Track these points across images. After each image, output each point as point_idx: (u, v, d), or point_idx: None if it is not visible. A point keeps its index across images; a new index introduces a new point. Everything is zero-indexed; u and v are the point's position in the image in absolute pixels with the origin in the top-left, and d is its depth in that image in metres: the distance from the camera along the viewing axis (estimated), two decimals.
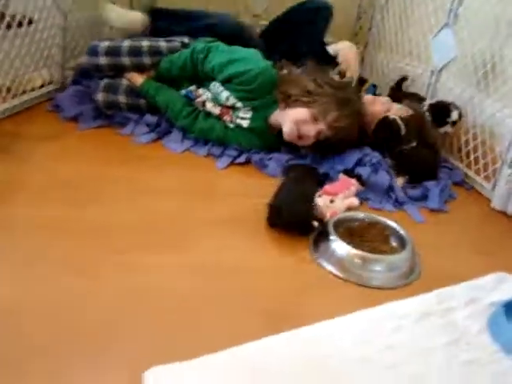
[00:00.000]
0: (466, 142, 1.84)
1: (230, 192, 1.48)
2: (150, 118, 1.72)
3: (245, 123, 1.68)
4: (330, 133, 1.59)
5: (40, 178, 1.37)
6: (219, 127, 1.69)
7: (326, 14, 2.05)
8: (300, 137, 1.62)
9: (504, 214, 1.63)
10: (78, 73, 1.90)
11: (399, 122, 1.70)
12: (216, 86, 1.70)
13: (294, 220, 1.30)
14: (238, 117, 1.69)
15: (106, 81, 1.72)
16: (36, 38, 1.71)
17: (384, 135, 1.71)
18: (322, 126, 1.59)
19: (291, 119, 1.61)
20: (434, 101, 1.85)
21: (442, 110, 1.79)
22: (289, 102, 1.62)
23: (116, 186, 1.40)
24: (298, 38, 2.02)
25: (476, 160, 1.80)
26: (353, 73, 2.00)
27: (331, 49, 2.04)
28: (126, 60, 1.71)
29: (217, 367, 0.88)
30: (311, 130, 1.59)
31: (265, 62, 1.69)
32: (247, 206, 1.42)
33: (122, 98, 1.71)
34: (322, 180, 1.52)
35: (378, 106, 1.77)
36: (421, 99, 1.90)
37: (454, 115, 1.78)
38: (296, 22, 2.03)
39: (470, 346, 1.04)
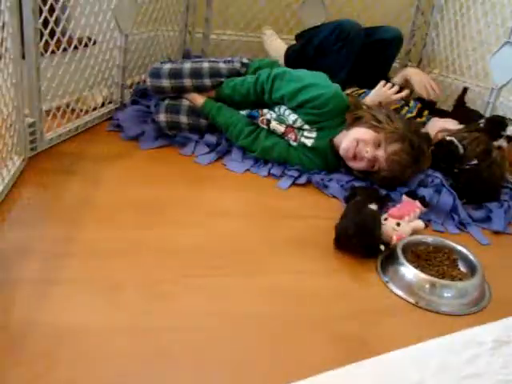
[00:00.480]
0: None
1: (294, 213, 1.50)
2: (210, 138, 1.76)
3: (309, 142, 1.71)
4: (386, 165, 1.59)
5: (109, 200, 1.41)
6: (282, 145, 1.72)
7: (398, 44, 2.07)
8: (355, 156, 1.62)
9: None
10: (136, 93, 1.95)
11: (456, 142, 1.70)
12: (282, 108, 1.73)
13: (363, 243, 1.31)
14: (302, 135, 1.71)
15: (167, 102, 1.76)
16: (99, 59, 1.76)
17: (442, 155, 1.71)
18: (380, 152, 1.59)
19: (354, 135, 1.63)
20: (490, 115, 1.84)
21: (497, 124, 1.79)
22: (356, 123, 1.64)
23: (182, 207, 1.44)
24: (367, 64, 2.02)
25: None
26: (433, 93, 1.99)
27: (397, 78, 2.04)
28: (187, 81, 1.75)
29: None
30: (369, 153, 1.59)
31: (335, 86, 1.71)
32: (312, 227, 1.44)
33: (183, 119, 1.75)
34: (385, 202, 1.52)
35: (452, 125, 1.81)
36: (480, 116, 1.89)
37: (510, 130, 1.76)
38: (369, 47, 2.03)
39: None
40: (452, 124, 1.84)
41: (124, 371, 0.91)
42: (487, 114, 1.97)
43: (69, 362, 0.91)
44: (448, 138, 1.72)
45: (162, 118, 1.74)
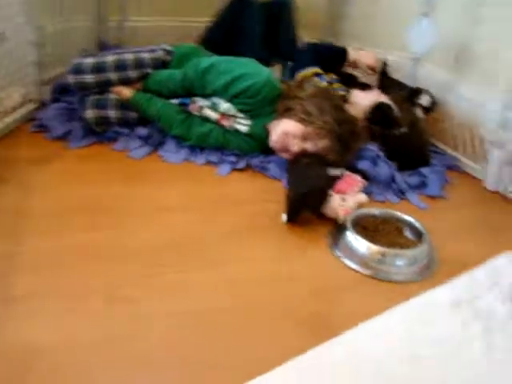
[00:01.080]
0: (452, 127, 1.91)
1: (238, 199, 1.50)
2: (142, 131, 1.71)
3: (244, 129, 1.70)
4: (318, 146, 1.59)
5: (47, 206, 1.34)
6: (218, 131, 1.70)
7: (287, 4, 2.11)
8: (284, 149, 1.63)
9: (497, 193, 1.71)
10: (56, 89, 1.85)
11: (393, 106, 1.76)
12: (214, 98, 1.71)
13: (317, 203, 1.37)
14: (237, 122, 1.70)
15: (93, 97, 1.69)
16: (12, 57, 1.66)
17: (378, 119, 1.75)
18: (309, 145, 1.59)
19: (282, 129, 1.62)
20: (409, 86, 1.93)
21: (413, 93, 1.88)
22: (286, 114, 1.64)
23: (125, 205, 1.40)
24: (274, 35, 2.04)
25: (464, 144, 1.87)
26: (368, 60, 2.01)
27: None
28: (112, 75, 1.69)
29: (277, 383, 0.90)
30: (296, 146, 1.59)
31: (266, 73, 1.69)
32: (259, 211, 1.44)
33: (112, 113, 1.68)
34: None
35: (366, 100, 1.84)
36: (404, 87, 1.96)
37: (424, 100, 1.85)
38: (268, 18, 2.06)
39: (504, 332, 1.10)
40: (376, 95, 1.88)
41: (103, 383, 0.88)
42: (410, 83, 2.04)
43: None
44: (385, 102, 1.77)
45: (89, 114, 1.66)
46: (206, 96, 1.72)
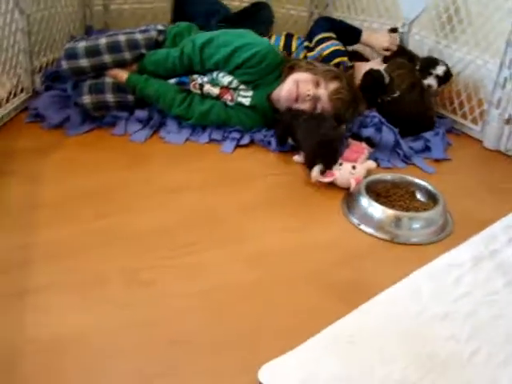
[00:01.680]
0: (448, 88, 1.92)
1: (247, 175, 1.49)
2: (141, 113, 1.68)
3: (246, 101, 1.68)
4: (328, 104, 1.61)
5: (55, 195, 1.32)
6: (219, 107, 1.68)
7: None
8: (297, 98, 1.62)
9: (498, 151, 1.73)
10: (48, 77, 1.80)
11: (382, 71, 1.76)
12: (214, 73, 1.69)
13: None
14: (239, 95, 1.69)
15: (89, 82, 1.65)
16: (3, 46, 1.61)
17: (368, 85, 1.75)
18: (322, 91, 1.62)
19: (293, 78, 1.64)
20: (425, 56, 1.91)
21: (428, 63, 1.86)
22: (292, 71, 1.66)
23: (134, 189, 1.38)
24: None
25: (461, 105, 1.88)
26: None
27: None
28: (107, 58, 1.65)
29: (319, 350, 0.91)
30: (310, 90, 1.60)
31: (266, 41, 1.70)
32: (271, 185, 1.44)
33: (109, 97, 1.65)
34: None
35: (376, 66, 1.84)
36: (416, 57, 1.94)
37: (440, 70, 1.83)
38: None
39: None
40: (376, 64, 1.88)
41: (138, 365, 0.87)
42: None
43: (78, 371, 0.85)
44: (375, 68, 1.77)
45: (86, 99, 1.63)
46: (205, 71, 1.69)
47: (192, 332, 0.95)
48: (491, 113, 1.74)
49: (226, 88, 1.69)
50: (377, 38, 1.98)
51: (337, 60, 1.85)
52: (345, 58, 1.88)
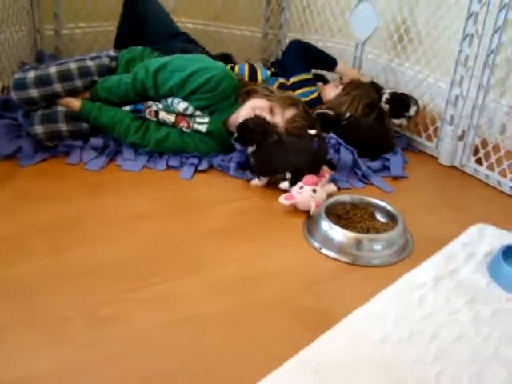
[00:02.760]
0: None
1: (207, 201, 1.48)
2: (96, 141, 1.65)
3: (203, 128, 1.68)
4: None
5: (10, 229, 1.28)
6: (175, 134, 1.67)
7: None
8: None
9: (453, 167, 1.77)
10: None
11: (321, 111, 1.78)
12: (169, 99, 1.68)
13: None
14: (195, 122, 1.68)
15: (40, 112, 1.61)
16: None
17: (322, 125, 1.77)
18: (278, 118, 1.63)
19: (250, 105, 1.64)
20: (393, 91, 1.91)
21: (401, 104, 1.87)
22: (250, 97, 1.66)
23: (91, 219, 1.35)
24: None
25: (416, 123, 1.92)
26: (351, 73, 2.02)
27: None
28: (57, 87, 1.62)
29: (287, 381, 0.90)
30: (266, 117, 1.60)
31: (221, 65, 1.69)
32: (232, 211, 1.44)
33: (63, 126, 1.62)
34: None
35: (331, 91, 1.89)
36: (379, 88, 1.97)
37: (412, 111, 1.86)
38: None
39: (487, 299, 1.14)
40: (331, 89, 1.91)
41: None
42: (354, 67, 2.07)
43: None
44: (320, 111, 1.78)
45: (38, 130, 1.59)
46: (160, 97, 1.68)
47: (162, 366, 0.93)
48: (445, 130, 1.78)
49: (181, 115, 1.68)
50: (351, 69, 2.04)
51: (313, 110, 1.84)
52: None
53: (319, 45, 2.17)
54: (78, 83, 1.66)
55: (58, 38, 2.15)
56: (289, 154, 1.48)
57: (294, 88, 1.88)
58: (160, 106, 1.68)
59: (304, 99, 1.82)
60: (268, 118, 1.60)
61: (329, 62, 2.01)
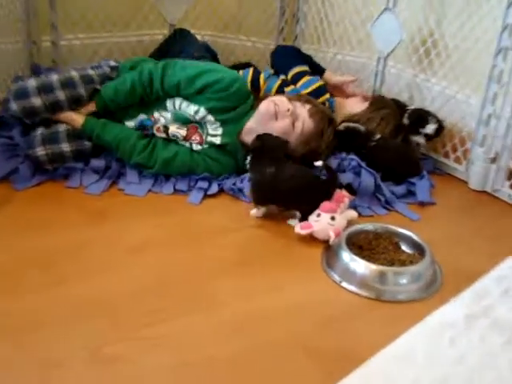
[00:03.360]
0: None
1: (217, 228, 1.51)
2: (97, 163, 1.69)
3: (216, 140, 1.73)
4: (310, 121, 1.69)
5: (2, 259, 1.31)
6: (184, 153, 1.72)
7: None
8: (276, 114, 1.68)
9: (485, 192, 1.79)
10: None
11: (352, 125, 1.82)
12: (177, 103, 1.73)
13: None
14: (208, 134, 1.73)
15: (41, 132, 1.65)
16: None
17: (348, 141, 1.81)
18: (301, 109, 1.71)
19: (268, 99, 1.73)
20: (414, 107, 1.96)
21: (418, 120, 1.90)
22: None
23: (91, 249, 1.37)
24: None
25: (443, 143, 1.95)
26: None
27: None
28: (61, 94, 1.67)
29: None
30: (289, 107, 1.68)
31: (235, 71, 1.79)
32: (243, 240, 1.47)
33: (65, 146, 1.66)
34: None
35: (356, 104, 1.94)
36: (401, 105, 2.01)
37: (430, 129, 1.88)
38: None
39: None
40: (356, 103, 1.95)
41: None
42: (378, 83, 2.11)
43: None
44: (351, 125, 1.82)
45: (39, 152, 1.62)
46: (165, 94, 1.73)
47: None
48: (475, 151, 1.80)
49: (193, 127, 1.73)
50: (337, 79, 2.10)
51: (322, 99, 1.92)
52: (328, 95, 1.96)
53: (337, 58, 2.22)
54: (82, 91, 1.71)
55: (56, 50, 2.19)
56: (294, 188, 1.49)
57: (294, 81, 1.97)
58: (168, 115, 1.74)
59: (306, 90, 1.91)
60: (290, 106, 1.69)
61: (318, 67, 2.10)
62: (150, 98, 1.75)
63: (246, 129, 1.72)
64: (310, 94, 1.91)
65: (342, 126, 1.81)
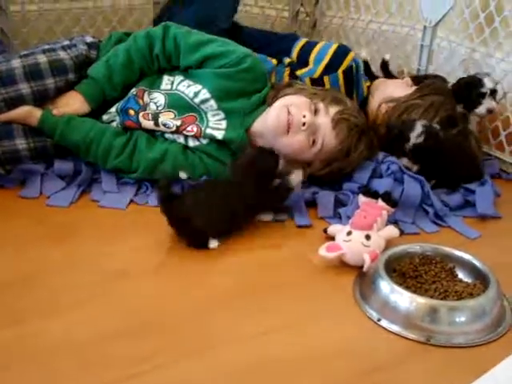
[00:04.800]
0: (493, 117, 2.00)
1: (218, 250, 1.51)
2: (63, 165, 1.71)
3: (219, 134, 1.74)
4: (332, 134, 1.69)
5: None
6: (175, 151, 1.73)
7: None
8: (289, 128, 1.68)
9: None
10: None
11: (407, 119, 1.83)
12: (176, 79, 1.78)
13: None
14: (208, 126, 1.75)
15: None
16: None
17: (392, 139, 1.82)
18: (322, 119, 1.70)
19: (282, 103, 1.72)
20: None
21: (468, 85, 1.92)
22: (280, 94, 1.75)
23: (61, 277, 1.37)
24: None
25: (510, 138, 1.95)
26: None
27: None
28: (24, 87, 1.68)
29: None
30: (307, 117, 1.67)
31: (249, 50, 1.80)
32: (252, 264, 1.48)
33: (22, 143, 1.68)
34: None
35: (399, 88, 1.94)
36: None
37: (489, 83, 1.90)
38: None
39: None
40: (399, 86, 1.96)
41: None
42: (424, 60, 2.11)
43: None
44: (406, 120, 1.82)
45: None
46: (165, 56, 1.78)
47: None
48: None
49: (191, 117, 1.75)
50: None
51: (346, 61, 1.93)
52: (353, 54, 1.97)
53: (371, 28, 2.22)
54: (50, 82, 1.73)
55: (3, 18, 2.19)
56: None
57: (305, 55, 2.00)
58: (162, 100, 1.77)
59: (324, 62, 1.93)
60: (308, 116, 1.67)
61: None
62: (152, 69, 1.79)
63: (255, 128, 1.75)
64: (331, 61, 1.93)
65: (414, 138, 1.75)
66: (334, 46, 1.97)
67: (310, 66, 1.98)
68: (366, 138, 1.73)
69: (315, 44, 2.02)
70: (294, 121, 1.67)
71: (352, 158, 1.72)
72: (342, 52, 1.96)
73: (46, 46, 1.80)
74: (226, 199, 1.49)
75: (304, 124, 1.66)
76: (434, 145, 1.74)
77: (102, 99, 1.78)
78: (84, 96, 1.76)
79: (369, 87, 2.03)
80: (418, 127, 1.75)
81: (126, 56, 1.76)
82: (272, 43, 2.10)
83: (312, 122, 1.68)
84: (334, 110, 1.71)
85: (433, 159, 1.76)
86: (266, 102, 1.76)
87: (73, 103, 1.76)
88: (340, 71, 1.91)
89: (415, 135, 1.74)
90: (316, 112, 1.71)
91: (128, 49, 1.76)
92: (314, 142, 1.69)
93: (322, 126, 1.69)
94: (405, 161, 1.76)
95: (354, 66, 1.94)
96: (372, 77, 2.12)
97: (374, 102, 1.93)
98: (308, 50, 2.01)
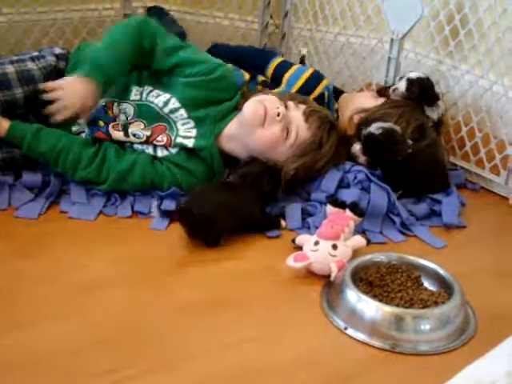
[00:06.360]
0: (456, 126, 2.02)
1: (188, 261, 1.53)
2: (31, 177, 1.71)
3: (189, 142, 1.76)
4: (304, 127, 1.72)
5: None
6: (143, 162, 1.74)
7: None
8: (264, 119, 1.70)
9: None
10: None
11: (386, 126, 1.80)
12: (145, 90, 1.80)
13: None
14: (178, 135, 1.76)
15: None
16: None
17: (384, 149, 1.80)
18: (294, 113, 1.74)
19: (256, 99, 1.75)
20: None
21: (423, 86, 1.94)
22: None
23: (31, 291, 1.37)
24: None
25: (475, 149, 1.97)
26: None
27: None
28: None
29: None
30: (280, 109, 1.70)
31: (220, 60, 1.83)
32: (220, 275, 1.49)
33: None
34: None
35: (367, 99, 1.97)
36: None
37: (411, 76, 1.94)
38: None
39: None
40: (368, 98, 1.98)
41: None
42: (391, 72, 2.14)
43: None
44: (385, 126, 1.80)
45: None
46: (145, 52, 1.77)
47: None
48: None
49: (161, 126, 1.77)
50: None
51: (320, 87, 1.95)
52: (326, 81, 2.00)
53: (339, 40, 2.24)
54: (19, 92, 1.73)
55: None
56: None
57: (278, 75, 2.01)
58: (131, 110, 1.78)
59: (298, 84, 1.96)
60: (282, 108, 1.71)
61: None
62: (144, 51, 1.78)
63: (225, 134, 1.76)
64: (303, 86, 1.95)
65: (373, 128, 1.77)
66: (308, 72, 2.00)
67: (283, 86, 2.00)
68: (335, 131, 1.78)
69: (290, 65, 2.04)
70: (269, 112, 1.70)
71: (324, 150, 1.75)
72: (315, 78, 2.00)
73: (15, 58, 1.81)
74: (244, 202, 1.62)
75: (279, 114, 1.69)
76: (385, 144, 1.76)
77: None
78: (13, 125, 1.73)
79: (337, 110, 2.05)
80: (385, 124, 1.78)
81: (122, 33, 1.78)
82: (249, 57, 2.11)
83: (285, 113, 1.72)
84: (303, 106, 1.76)
85: (379, 158, 1.79)
86: (237, 108, 1.78)
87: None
88: (311, 98, 1.92)
89: (376, 126, 1.77)
90: (287, 108, 1.74)
91: (121, 27, 1.81)
92: (287, 134, 1.72)
93: (295, 119, 1.73)
94: (357, 147, 1.80)
95: (326, 93, 1.97)
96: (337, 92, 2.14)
97: (345, 116, 1.94)
98: (282, 71, 2.03)
